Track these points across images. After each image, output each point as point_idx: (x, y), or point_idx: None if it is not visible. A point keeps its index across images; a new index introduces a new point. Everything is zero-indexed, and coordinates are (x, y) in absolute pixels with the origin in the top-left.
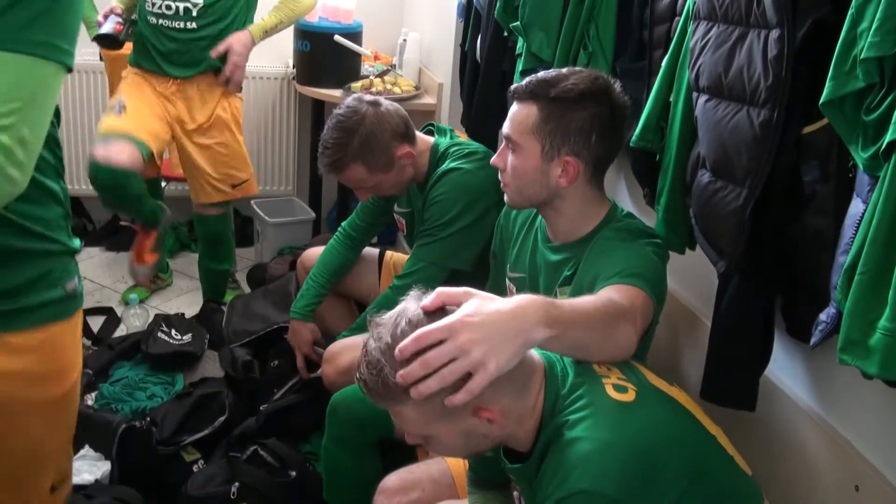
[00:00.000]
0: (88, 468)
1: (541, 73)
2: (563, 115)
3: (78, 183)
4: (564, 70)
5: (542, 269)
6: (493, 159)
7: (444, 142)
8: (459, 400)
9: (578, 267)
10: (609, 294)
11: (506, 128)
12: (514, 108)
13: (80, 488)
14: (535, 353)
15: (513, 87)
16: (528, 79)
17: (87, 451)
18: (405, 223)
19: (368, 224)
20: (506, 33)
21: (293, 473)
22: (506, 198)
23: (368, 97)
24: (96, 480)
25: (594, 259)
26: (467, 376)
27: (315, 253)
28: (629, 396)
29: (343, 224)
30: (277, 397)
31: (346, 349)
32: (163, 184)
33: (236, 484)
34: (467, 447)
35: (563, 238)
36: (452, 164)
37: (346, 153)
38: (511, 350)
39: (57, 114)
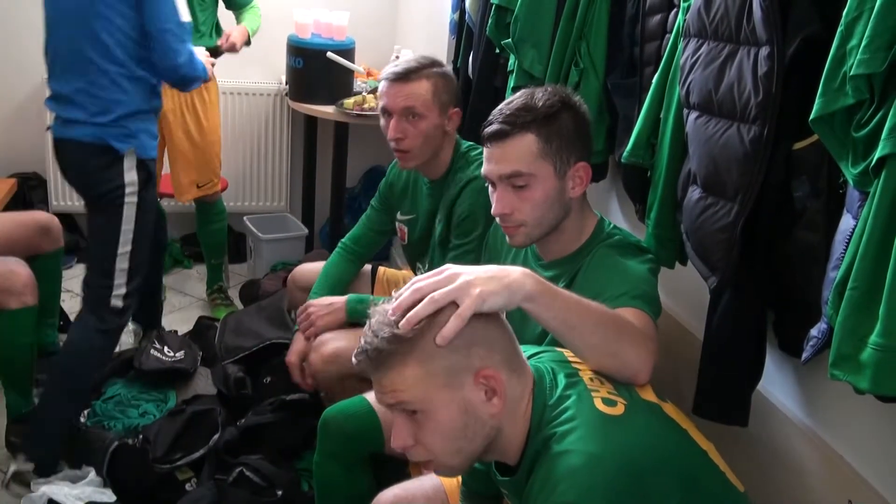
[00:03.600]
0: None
1: (504, 108)
2: (558, 129)
3: (69, 199)
4: (517, 95)
5: None
6: (498, 207)
7: (465, 143)
8: (450, 329)
9: (573, 281)
10: (620, 312)
11: (505, 168)
12: (505, 145)
13: None
14: (526, 363)
15: (490, 130)
16: (498, 118)
17: (93, 475)
18: (407, 231)
19: (371, 237)
20: (497, 50)
21: (280, 493)
22: (518, 238)
23: None
24: None
25: (593, 275)
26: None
27: (305, 269)
28: (618, 410)
29: (344, 238)
30: (255, 413)
31: (332, 339)
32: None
33: None
34: (463, 433)
35: (555, 255)
36: (479, 173)
37: (429, 67)
38: (496, 287)
39: None
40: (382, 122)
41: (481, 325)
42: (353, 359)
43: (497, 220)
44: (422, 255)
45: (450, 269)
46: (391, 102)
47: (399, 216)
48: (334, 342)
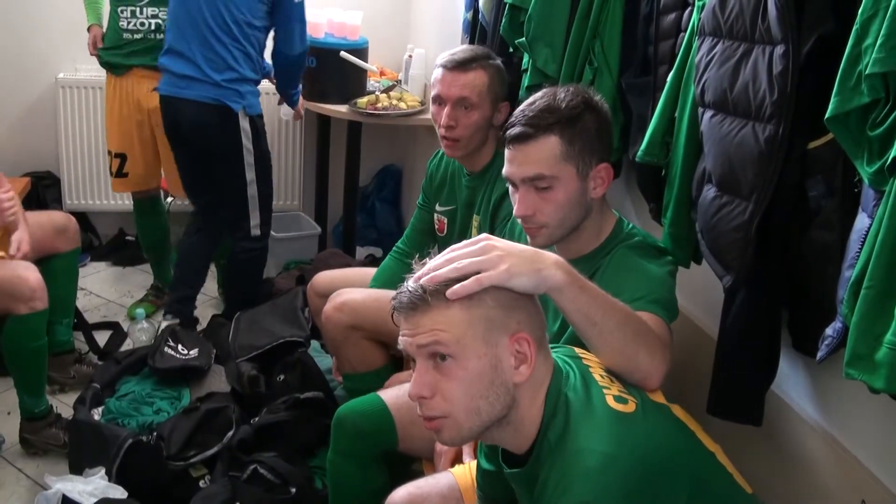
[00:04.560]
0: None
1: (527, 110)
2: (581, 131)
3: (83, 198)
4: (539, 96)
5: None
6: (520, 209)
7: None
8: (465, 287)
9: (591, 280)
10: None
11: (528, 171)
12: (528, 148)
13: None
14: (550, 351)
15: (513, 132)
16: (521, 119)
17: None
18: (446, 222)
19: (418, 236)
20: (511, 49)
21: (293, 490)
22: (540, 240)
23: None
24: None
25: (612, 276)
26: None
27: (325, 277)
28: (629, 408)
29: (398, 242)
30: (269, 411)
31: (347, 291)
32: (168, 199)
33: None
34: (487, 391)
35: (573, 254)
36: None
37: (486, 59)
38: (526, 269)
39: None
40: (434, 109)
41: (524, 297)
42: (392, 300)
43: (518, 221)
44: None
45: (488, 240)
46: (446, 90)
47: (437, 208)
48: (349, 294)
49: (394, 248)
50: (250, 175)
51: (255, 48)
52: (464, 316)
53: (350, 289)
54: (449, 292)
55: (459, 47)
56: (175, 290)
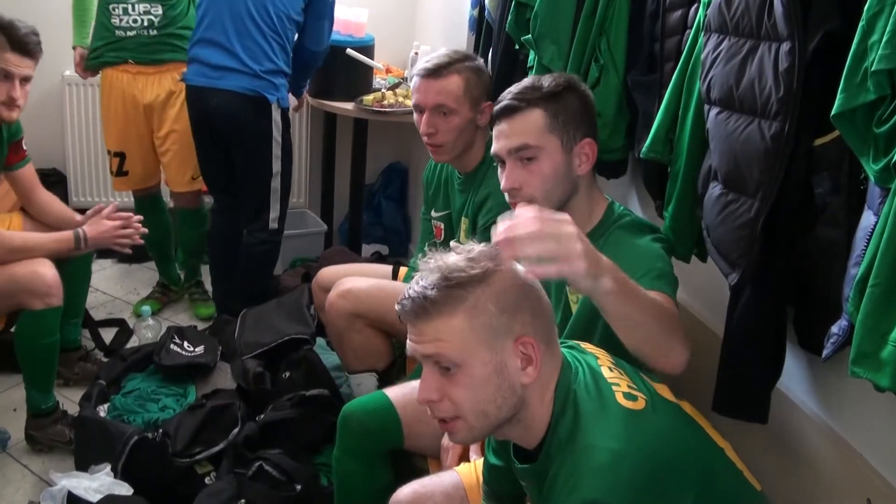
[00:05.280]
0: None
1: (512, 88)
2: (565, 106)
3: (89, 195)
4: (524, 81)
5: (554, 283)
6: (507, 183)
7: None
8: (539, 273)
9: None
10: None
11: (514, 141)
12: (513, 121)
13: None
14: (559, 346)
15: (499, 107)
16: (507, 96)
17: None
18: (443, 228)
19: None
20: (517, 46)
21: (299, 487)
22: None
23: None
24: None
25: (611, 257)
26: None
27: (330, 272)
28: (639, 405)
29: (415, 258)
30: (274, 408)
31: (352, 280)
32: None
33: (242, 500)
34: (494, 395)
35: None
36: None
37: (460, 62)
38: (592, 271)
39: None
40: (416, 116)
41: (533, 293)
42: (397, 305)
43: (506, 197)
44: None
45: (572, 225)
46: (422, 98)
47: (433, 214)
48: (353, 282)
49: (410, 264)
50: (276, 167)
51: (290, 42)
52: (467, 325)
53: (354, 277)
54: (524, 271)
55: (435, 53)
56: (216, 287)
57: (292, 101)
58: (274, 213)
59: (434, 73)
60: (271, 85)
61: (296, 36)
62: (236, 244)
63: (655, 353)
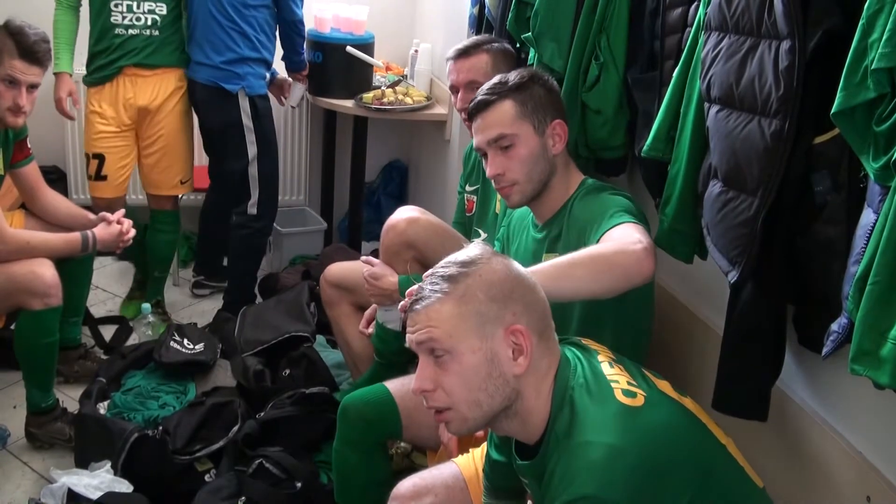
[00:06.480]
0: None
1: (482, 88)
2: (531, 94)
3: (85, 193)
4: (493, 79)
5: (532, 255)
6: (491, 171)
7: None
8: None
9: (562, 230)
10: (608, 234)
11: (491, 133)
12: (487, 114)
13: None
14: (556, 341)
15: (473, 104)
16: (477, 95)
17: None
18: (476, 201)
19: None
20: (518, 44)
21: (299, 485)
22: (514, 197)
23: None
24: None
25: (577, 216)
26: None
27: (338, 269)
28: (638, 401)
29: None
30: (275, 406)
31: (341, 270)
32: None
33: (242, 498)
34: (485, 384)
35: (546, 216)
36: None
37: (487, 43)
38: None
39: None
40: (453, 99)
41: (526, 286)
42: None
43: (493, 184)
44: (482, 223)
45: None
46: (455, 78)
47: (467, 188)
48: (342, 272)
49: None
50: (252, 152)
51: (254, 27)
52: (455, 311)
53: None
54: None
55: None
56: (199, 251)
57: (297, 96)
58: (253, 198)
59: (463, 53)
60: (232, 75)
61: (269, 17)
62: (225, 222)
63: (620, 286)
